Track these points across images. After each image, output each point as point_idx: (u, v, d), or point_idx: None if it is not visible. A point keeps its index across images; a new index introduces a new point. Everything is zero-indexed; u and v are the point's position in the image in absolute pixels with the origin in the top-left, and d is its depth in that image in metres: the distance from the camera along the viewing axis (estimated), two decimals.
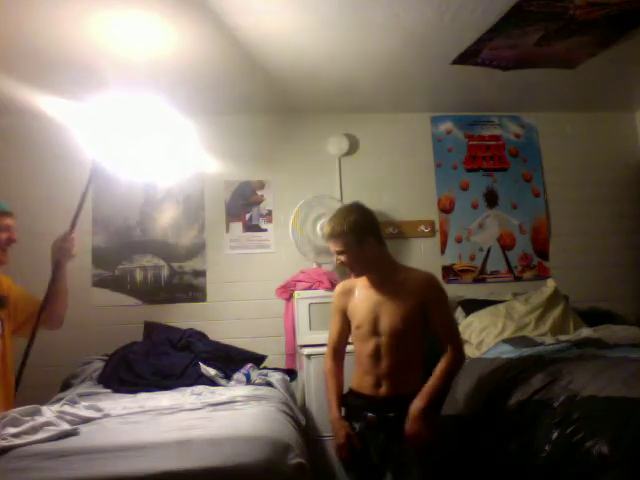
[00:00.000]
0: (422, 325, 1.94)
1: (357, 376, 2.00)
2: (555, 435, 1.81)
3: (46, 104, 2.94)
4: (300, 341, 2.96)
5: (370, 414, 1.91)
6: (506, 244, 3.66)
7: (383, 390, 1.91)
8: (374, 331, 1.93)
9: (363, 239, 1.95)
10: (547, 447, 1.81)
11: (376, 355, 1.92)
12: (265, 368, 2.93)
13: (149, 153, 2.81)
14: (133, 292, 3.33)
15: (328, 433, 2.62)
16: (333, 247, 1.97)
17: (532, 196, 3.73)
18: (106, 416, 2.06)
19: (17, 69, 2.72)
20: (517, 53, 2.86)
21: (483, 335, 2.94)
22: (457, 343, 1.95)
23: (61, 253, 2.15)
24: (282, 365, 3.14)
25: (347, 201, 3.41)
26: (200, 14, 2.34)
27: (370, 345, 1.93)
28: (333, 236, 1.95)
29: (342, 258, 1.96)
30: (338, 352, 2.07)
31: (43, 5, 2.23)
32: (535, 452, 1.85)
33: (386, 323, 1.92)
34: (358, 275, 2.01)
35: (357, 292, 2.04)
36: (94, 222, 3.35)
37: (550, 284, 3.26)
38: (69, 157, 3.15)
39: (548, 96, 3.53)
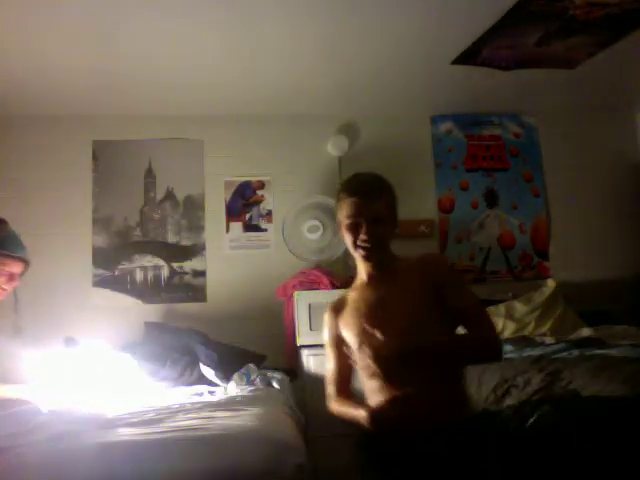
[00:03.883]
0: (444, 318, 1.46)
1: None
2: (555, 435, 1.81)
3: None
4: (300, 341, 2.95)
5: (402, 461, 1.38)
6: (506, 244, 3.66)
7: (412, 423, 1.37)
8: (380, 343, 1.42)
9: (396, 209, 1.57)
10: (546, 447, 1.81)
11: (390, 376, 1.41)
12: (265, 368, 2.93)
13: None
14: (133, 292, 3.33)
15: (328, 433, 2.62)
16: (364, 211, 1.47)
17: (532, 196, 3.73)
18: (105, 416, 2.06)
19: None
20: (517, 53, 2.86)
21: None
22: (491, 330, 1.48)
23: None
24: (282, 365, 3.14)
25: None
26: None
27: (378, 364, 1.42)
28: (369, 195, 1.48)
29: (366, 234, 1.47)
30: (343, 394, 1.58)
31: None
32: (535, 452, 1.84)
33: (396, 327, 1.41)
34: (375, 258, 1.53)
35: (349, 304, 1.58)
36: (94, 222, 3.35)
37: (550, 284, 3.25)
38: None
39: (548, 96, 3.53)
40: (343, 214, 1.52)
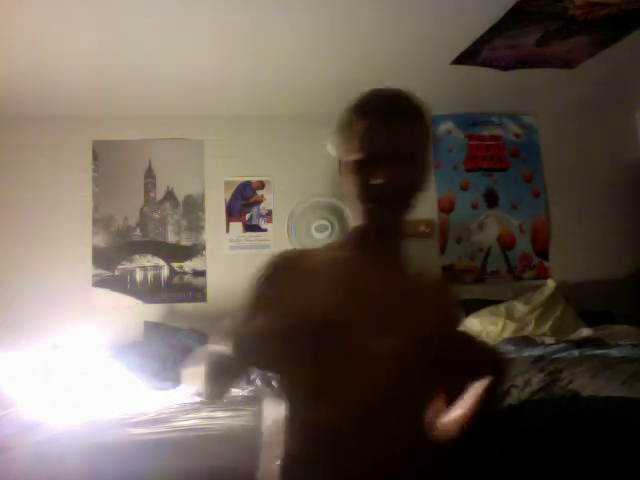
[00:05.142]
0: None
1: (298, 473, 0.91)
2: (554, 435, 1.81)
3: None
4: None
5: None
6: (506, 244, 3.66)
7: None
8: (364, 352, 0.87)
9: (431, 147, 0.99)
10: (546, 447, 1.81)
11: (367, 409, 0.88)
12: None
13: None
14: (133, 292, 3.33)
15: None
16: (385, 142, 0.90)
17: (532, 196, 3.73)
18: (105, 417, 2.06)
19: None
20: (517, 53, 2.86)
21: (483, 335, 2.94)
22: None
23: None
24: None
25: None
26: None
27: (352, 387, 0.88)
28: (395, 117, 0.92)
29: (384, 176, 0.89)
30: None
31: None
32: (534, 452, 1.85)
33: (398, 338, 0.89)
34: (389, 219, 0.94)
35: (318, 270, 0.95)
36: (94, 222, 3.35)
37: (550, 284, 3.26)
38: None
39: (548, 96, 3.53)
40: (351, 145, 0.94)
